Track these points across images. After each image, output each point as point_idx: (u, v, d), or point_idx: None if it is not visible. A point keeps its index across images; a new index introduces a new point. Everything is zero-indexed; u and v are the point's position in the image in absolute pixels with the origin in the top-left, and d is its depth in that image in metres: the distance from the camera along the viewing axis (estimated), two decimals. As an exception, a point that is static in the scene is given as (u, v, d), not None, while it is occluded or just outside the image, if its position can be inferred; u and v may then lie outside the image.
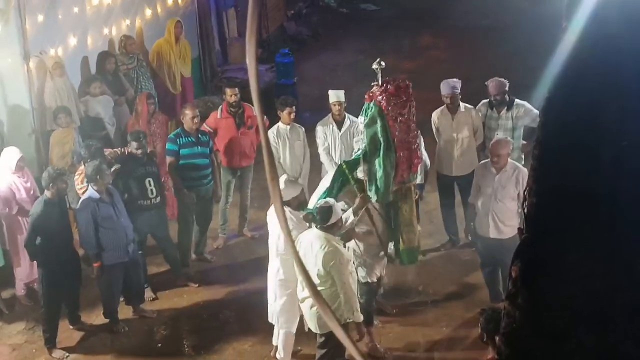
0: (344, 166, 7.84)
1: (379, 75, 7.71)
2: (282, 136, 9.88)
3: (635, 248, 1.87)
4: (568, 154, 1.93)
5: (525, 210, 1.80)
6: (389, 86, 7.60)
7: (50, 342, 8.70)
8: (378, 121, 7.58)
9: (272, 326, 8.08)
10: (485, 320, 6.42)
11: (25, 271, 9.19)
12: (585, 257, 1.79)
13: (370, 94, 7.72)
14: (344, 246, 7.52)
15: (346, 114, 9.83)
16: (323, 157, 9.93)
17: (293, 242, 3.06)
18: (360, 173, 7.76)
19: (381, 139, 7.57)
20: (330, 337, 7.10)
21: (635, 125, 2.03)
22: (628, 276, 1.84)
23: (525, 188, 1.91)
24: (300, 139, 9.96)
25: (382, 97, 7.58)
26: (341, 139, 9.82)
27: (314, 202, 7.77)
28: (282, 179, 7.42)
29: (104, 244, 8.55)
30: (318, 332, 7.35)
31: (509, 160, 8.52)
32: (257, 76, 2.12)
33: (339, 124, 9.83)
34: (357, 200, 7.69)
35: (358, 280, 7.77)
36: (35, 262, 8.73)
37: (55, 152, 9.80)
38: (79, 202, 8.62)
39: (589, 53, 2.20)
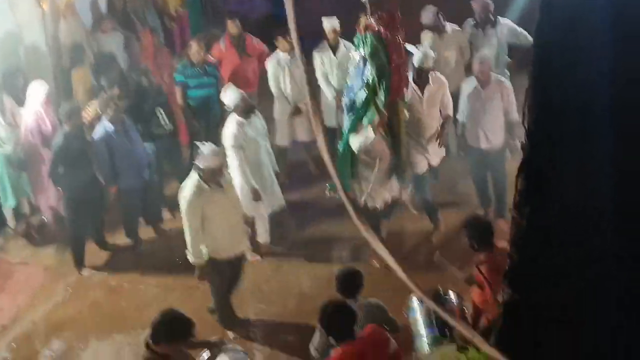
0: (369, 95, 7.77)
1: (367, 6, 7.61)
2: (282, 64, 9.75)
3: (629, 155, 1.86)
4: (562, 71, 1.88)
5: (526, 125, 1.77)
6: (384, 16, 7.52)
7: (79, 263, 8.81)
8: (380, 49, 7.54)
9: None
10: (471, 229, 6.42)
11: (52, 197, 9.19)
12: (582, 165, 1.77)
13: (367, 25, 7.62)
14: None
15: (340, 40, 9.68)
16: (321, 82, 9.83)
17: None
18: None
19: (386, 64, 7.57)
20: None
21: (628, 30, 2.00)
22: (619, 179, 1.83)
23: (525, 104, 1.90)
24: (299, 65, 9.80)
25: (380, 27, 7.53)
26: (338, 64, 9.70)
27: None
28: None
29: (120, 171, 8.61)
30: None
31: (493, 75, 8.50)
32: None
33: (334, 50, 9.70)
34: (375, 119, 7.70)
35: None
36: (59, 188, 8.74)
37: (80, 90, 9.75)
38: (95, 133, 8.58)
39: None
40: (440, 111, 8.46)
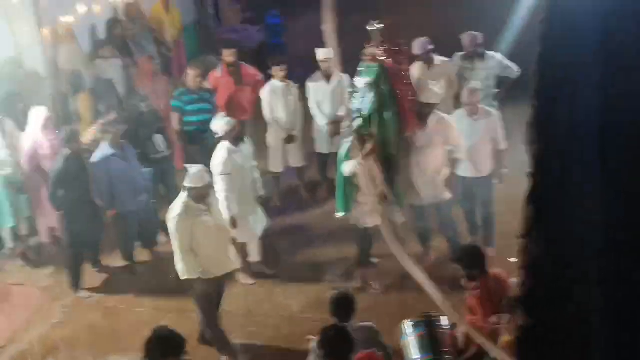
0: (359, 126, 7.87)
1: (376, 36, 7.76)
2: (276, 93, 9.90)
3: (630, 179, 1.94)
4: (565, 100, 1.98)
5: (532, 155, 1.87)
6: (392, 48, 7.67)
7: (75, 284, 8.86)
8: (383, 80, 7.67)
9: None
10: (466, 258, 6.49)
11: (51, 219, 9.26)
12: (587, 194, 1.88)
13: (372, 55, 7.75)
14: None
15: (334, 70, 9.84)
16: (314, 111, 9.97)
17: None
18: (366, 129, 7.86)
19: (388, 95, 7.71)
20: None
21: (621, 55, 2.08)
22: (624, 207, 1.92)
23: (527, 134, 1.93)
24: (292, 95, 9.98)
25: (387, 58, 7.66)
26: (331, 93, 9.85)
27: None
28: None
29: (117, 195, 8.69)
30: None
31: (481, 106, 8.64)
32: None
33: (328, 80, 9.85)
34: (367, 146, 7.72)
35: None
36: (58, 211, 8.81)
37: (85, 115, 9.85)
38: (94, 157, 8.67)
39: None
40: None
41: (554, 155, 1.90)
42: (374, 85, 7.78)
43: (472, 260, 6.36)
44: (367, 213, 8.05)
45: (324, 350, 5.44)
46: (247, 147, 8.61)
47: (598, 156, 1.96)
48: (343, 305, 6.20)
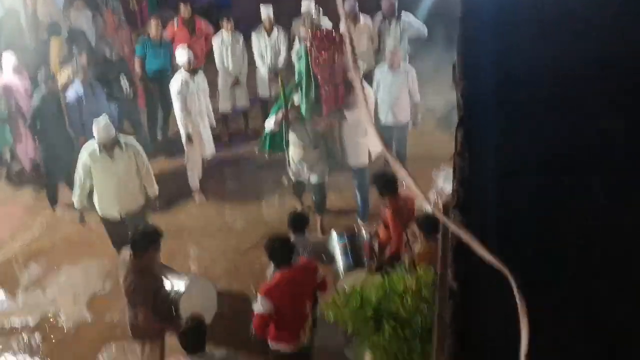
0: (283, 90, 7.60)
1: (308, 20, 7.74)
2: (225, 43, 9.87)
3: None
4: (484, 40, 1.98)
5: (460, 94, 1.93)
6: (318, 34, 7.45)
7: (53, 202, 8.82)
8: (303, 60, 7.46)
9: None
10: (377, 180, 6.65)
11: (30, 148, 9.15)
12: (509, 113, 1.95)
13: (303, 36, 7.66)
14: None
15: (274, 26, 9.84)
16: (257, 60, 9.98)
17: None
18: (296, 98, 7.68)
19: (304, 75, 7.47)
20: None
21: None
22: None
23: (455, 73, 1.97)
24: (239, 44, 9.96)
25: (310, 42, 7.45)
26: (271, 45, 9.86)
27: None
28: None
29: (87, 125, 8.58)
30: None
31: (401, 62, 8.77)
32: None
33: (269, 34, 9.86)
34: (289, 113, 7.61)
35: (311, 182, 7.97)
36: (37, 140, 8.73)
37: (54, 57, 9.65)
38: (68, 94, 8.56)
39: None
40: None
41: (477, 91, 1.96)
42: (298, 61, 7.64)
43: (385, 182, 6.57)
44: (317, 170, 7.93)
45: (268, 255, 5.63)
46: (200, 78, 8.69)
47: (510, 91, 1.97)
48: (297, 221, 6.44)
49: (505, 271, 1.60)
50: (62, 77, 8.83)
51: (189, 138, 8.64)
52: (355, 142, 7.85)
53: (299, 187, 8.38)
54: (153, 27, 9.63)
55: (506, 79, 1.94)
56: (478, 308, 1.86)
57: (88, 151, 7.18)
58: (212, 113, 9.07)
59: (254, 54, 9.95)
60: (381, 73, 8.76)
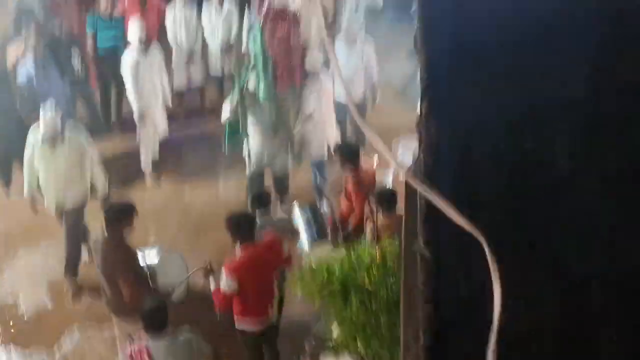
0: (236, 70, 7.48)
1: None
2: (177, 17, 9.70)
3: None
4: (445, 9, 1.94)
5: (423, 62, 1.93)
6: (270, 13, 7.20)
7: (6, 185, 8.67)
8: (258, 38, 7.23)
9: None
10: (340, 151, 6.71)
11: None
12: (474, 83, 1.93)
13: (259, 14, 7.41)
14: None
15: (225, 1, 9.70)
16: (207, 35, 9.82)
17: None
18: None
19: (260, 55, 7.26)
20: None
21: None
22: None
23: (416, 42, 1.95)
24: (193, 19, 9.78)
25: (264, 20, 7.23)
26: (222, 22, 9.70)
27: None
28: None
29: (39, 107, 8.40)
30: None
31: (358, 35, 8.69)
32: None
33: (220, 11, 9.72)
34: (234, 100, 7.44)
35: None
36: None
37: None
38: (18, 75, 8.35)
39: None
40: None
41: (439, 57, 1.94)
42: (253, 39, 7.31)
43: (348, 152, 6.60)
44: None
45: (229, 230, 5.60)
46: (153, 54, 8.54)
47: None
48: (259, 199, 6.51)
49: (477, 233, 1.61)
50: (10, 56, 8.60)
51: (142, 117, 8.50)
52: (313, 134, 7.66)
53: (257, 181, 7.93)
54: (102, 2, 9.41)
55: (467, 43, 1.92)
56: (448, 272, 1.89)
57: (33, 136, 6.97)
58: (169, 91, 8.91)
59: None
60: (338, 46, 8.62)
